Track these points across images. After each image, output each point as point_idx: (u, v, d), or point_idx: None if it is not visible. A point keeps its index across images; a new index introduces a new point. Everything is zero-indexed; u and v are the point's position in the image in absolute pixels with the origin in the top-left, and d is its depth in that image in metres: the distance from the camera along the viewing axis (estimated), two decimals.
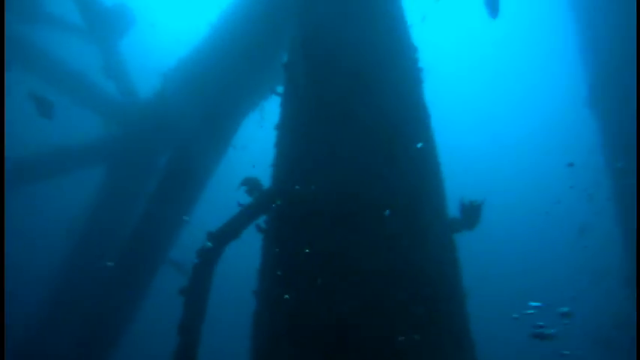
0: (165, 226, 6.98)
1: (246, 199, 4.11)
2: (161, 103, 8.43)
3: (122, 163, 9.14)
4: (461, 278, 3.08)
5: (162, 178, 7.59)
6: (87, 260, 7.99)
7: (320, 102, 3.17)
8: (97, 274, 7.09)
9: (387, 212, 2.72)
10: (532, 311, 5.70)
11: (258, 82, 6.73)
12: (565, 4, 9.72)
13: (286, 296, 2.45)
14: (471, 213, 3.05)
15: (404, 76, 3.54)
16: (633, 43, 7.69)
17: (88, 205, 9.16)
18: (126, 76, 9.12)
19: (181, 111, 8.01)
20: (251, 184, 3.72)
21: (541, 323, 5.65)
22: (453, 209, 3.70)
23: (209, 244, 3.69)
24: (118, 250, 7.26)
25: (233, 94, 6.88)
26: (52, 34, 9.93)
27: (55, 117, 6.86)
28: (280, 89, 4.52)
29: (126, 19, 8.56)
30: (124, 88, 9.11)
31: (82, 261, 8.13)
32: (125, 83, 9.10)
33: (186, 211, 7.14)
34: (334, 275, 2.50)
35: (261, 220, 3.54)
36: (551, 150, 25.93)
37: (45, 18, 9.56)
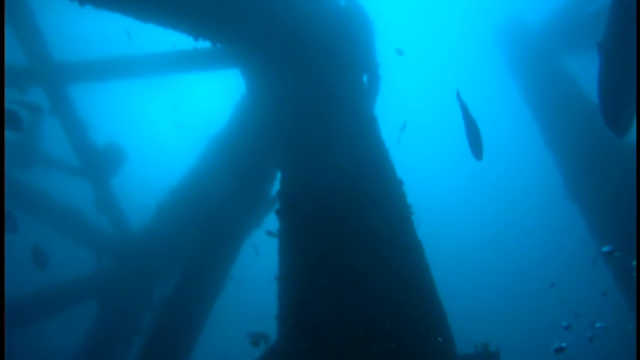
0: None
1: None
2: (154, 235, 8.51)
3: (115, 298, 8.93)
4: None
5: (159, 314, 7.40)
6: None
7: (312, 253, 3.26)
8: None
9: None
10: None
11: (251, 212, 6.91)
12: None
13: None
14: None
15: (394, 213, 3.72)
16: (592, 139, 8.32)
17: (77, 346, 8.75)
18: (118, 210, 9.29)
19: (175, 242, 8.08)
20: (256, 337, 3.67)
21: None
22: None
23: None
24: None
25: (226, 223, 7.01)
26: (44, 172, 10.28)
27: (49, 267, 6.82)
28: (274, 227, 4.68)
29: (118, 158, 8.94)
30: (117, 222, 9.23)
31: None
32: (117, 216, 9.24)
33: (186, 349, 6.86)
34: None
35: None
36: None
37: (41, 160, 9.95)
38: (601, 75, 3.34)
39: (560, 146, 9.38)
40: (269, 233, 4.37)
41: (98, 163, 8.77)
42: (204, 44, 5.92)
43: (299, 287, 3.23)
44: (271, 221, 5.21)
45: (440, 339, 2.80)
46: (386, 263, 3.12)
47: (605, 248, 8.12)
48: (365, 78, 6.72)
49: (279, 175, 4.99)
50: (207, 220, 7.42)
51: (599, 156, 8.94)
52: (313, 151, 4.33)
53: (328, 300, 3.01)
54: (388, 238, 3.33)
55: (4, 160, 7.51)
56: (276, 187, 7.09)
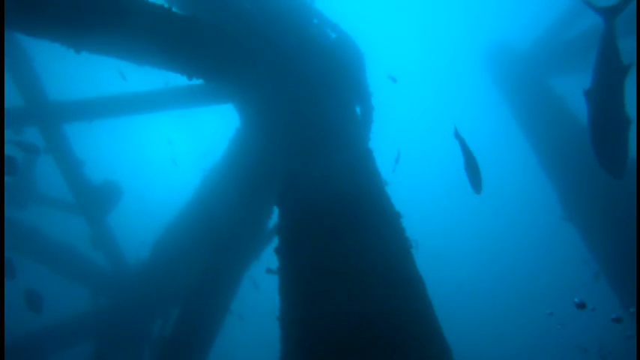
0: None
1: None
2: (152, 271, 8.42)
3: (112, 335, 8.75)
4: None
5: (158, 350, 7.25)
6: None
7: (314, 294, 3.23)
8: None
9: None
10: None
11: (249, 246, 6.87)
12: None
13: None
14: None
15: (395, 249, 3.71)
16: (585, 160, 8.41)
17: None
18: (115, 247, 9.21)
19: (173, 277, 7.99)
20: None
21: None
22: None
23: None
24: None
25: (225, 257, 6.95)
26: (38, 211, 10.21)
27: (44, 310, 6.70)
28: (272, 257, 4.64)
29: (115, 194, 8.93)
30: (113, 258, 9.14)
31: None
32: (114, 253, 9.15)
33: None
34: None
35: None
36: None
37: (36, 199, 9.92)
38: (590, 121, 3.43)
39: (553, 168, 9.46)
40: (268, 271, 4.33)
41: (94, 200, 8.74)
42: (198, 81, 6.01)
43: (301, 331, 3.19)
44: (270, 256, 5.19)
45: None
46: (390, 303, 3.09)
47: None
48: (358, 109, 6.81)
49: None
50: (205, 254, 7.35)
51: (593, 175, 9.02)
52: (309, 186, 4.34)
53: (332, 344, 2.96)
54: (390, 275, 3.32)
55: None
56: (273, 220, 7.08)
